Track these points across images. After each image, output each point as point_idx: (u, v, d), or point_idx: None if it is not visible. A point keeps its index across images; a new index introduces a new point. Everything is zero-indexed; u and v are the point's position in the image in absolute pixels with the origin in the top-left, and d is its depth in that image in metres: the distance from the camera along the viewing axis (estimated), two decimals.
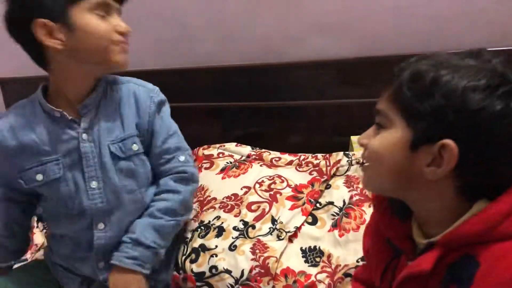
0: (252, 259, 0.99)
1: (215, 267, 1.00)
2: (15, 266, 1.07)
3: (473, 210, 0.53)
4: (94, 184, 0.92)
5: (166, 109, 1.03)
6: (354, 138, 1.28)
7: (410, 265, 0.57)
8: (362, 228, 1.01)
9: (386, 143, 0.57)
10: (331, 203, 1.10)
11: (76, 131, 0.90)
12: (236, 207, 1.14)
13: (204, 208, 1.16)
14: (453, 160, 0.51)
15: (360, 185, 1.11)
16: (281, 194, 1.15)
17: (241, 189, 1.19)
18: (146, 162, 0.99)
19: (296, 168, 1.24)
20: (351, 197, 1.09)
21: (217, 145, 1.37)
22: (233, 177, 1.24)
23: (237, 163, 1.29)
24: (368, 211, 1.04)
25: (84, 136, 0.91)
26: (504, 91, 0.50)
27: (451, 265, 0.53)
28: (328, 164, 1.20)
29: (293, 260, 1.00)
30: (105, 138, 0.92)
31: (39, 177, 0.90)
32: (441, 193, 0.55)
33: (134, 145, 0.95)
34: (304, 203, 1.12)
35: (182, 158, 1.01)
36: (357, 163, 1.17)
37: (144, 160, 0.98)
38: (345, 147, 1.31)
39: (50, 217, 1.00)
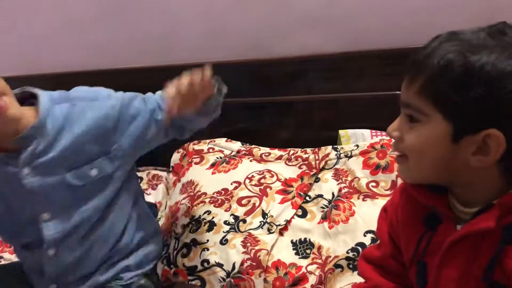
0: (243, 252, 1.00)
1: (206, 260, 1.01)
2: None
3: None
4: (46, 216, 0.85)
5: (120, 96, 0.91)
6: (342, 132, 1.29)
7: (469, 223, 0.56)
8: (351, 219, 1.03)
9: (425, 139, 0.55)
10: (320, 196, 1.12)
11: (16, 167, 0.81)
12: (226, 201, 1.14)
13: (195, 203, 1.16)
14: (501, 148, 0.51)
15: (349, 178, 1.12)
16: (271, 188, 1.16)
17: (231, 184, 1.19)
18: (110, 186, 0.90)
19: (285, 163, 1.25)
20: (339, 190, 1.10)
21: (207, 140, 1.38)
22: (223, 172, 1.25)
23: (227, 159, 1.29)
24: (357, 203, 1.06)
25: (26, 170, 0.81)
26: None
27: (508, 226, 0.53)
28: (317, 158, 1.22)
29: (284, 252, 1.02)
30: (57, 167, 0.83)
31: None
32: (486, 176, 0.55)
33: (93, 171, 0.86)
34: (294, 197, 1.13)
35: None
36: (346, 156, 1.18)
37: (106, 184, 0.89)
38: (334, 141, 1.33)
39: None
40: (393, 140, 0.62)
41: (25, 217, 0.87)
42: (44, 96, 0.84)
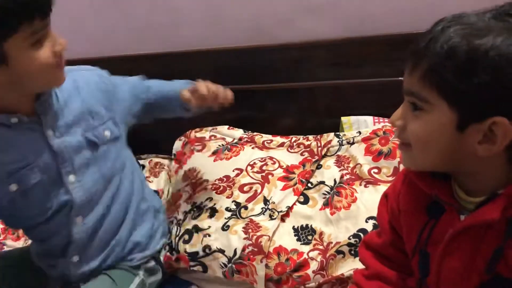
0: (245, 238, 1.01)
1: (208, 247, 1.01)
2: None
3: None
4: (72, 178, 0.89)
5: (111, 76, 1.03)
6: (344, 119, 1.28)
7: (473, 215, 0.55)
8: (353, 206, 1.02)
9: (430, 129, 0.53)
10: (322, 182, 1.11)
11: (39, 131, 0.85)
12: (228, 188, 1.14)
13: (196, 190, 1.16)
14: (509, 136, 0.49)
15: (351, 164, 1.12)
16: (272, 175, 1.16)
17: (233, 171, 1.19)
18: (122, 150, 1.00)
19: (287, 150, 1.25)
20: (341, 176, 1.10)
21: (209, 128, 1.37)
22: (225, 159, 1.24)
23: (229, 146, 1.29)
24: (359, 189, 1.06)
25: (50, 132, 0.86)
26: None
27: None
28: (319, 145, 1.21)
29: (286, 238, 1.02)
30: (75, 128, 0.89)
31: (13, 187, 0.84)
32: (492, 165, 0.54)
33: (107, 131, 0.94)
34: (295, 183, 1.13)
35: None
36: (348, 143, 1.17)
37: (119, 147, 0.98)
38: (337, 128, 1.32)
39: (17, 224, 0.99)
40: (394, 129, 0.61)
41: (51, 182, 0.87)
42: None
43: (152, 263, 1.03)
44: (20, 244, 1.31)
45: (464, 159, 0.54)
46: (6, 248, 1.29)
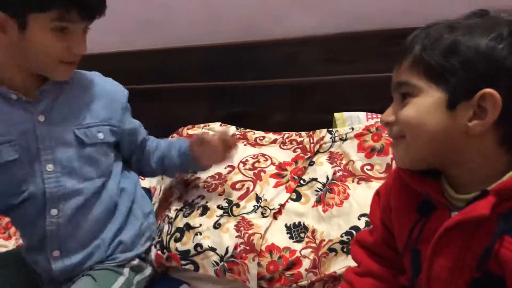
0: (236, 236, 0.99)
1: (199, 245, 1.00)
2: None
3: None
4: (50, 167, 0.89)
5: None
6: (337, 115, 1.28)
7: (463, 211, 0.55)
8: (346, 203, 1.01)
9: (422, 108, 0.55)
10: (315, 179, 1.10)
11: (32, 113, 0.88)
12: (220, 186, 1.13)
13: (188, 188, 1.15)
14: (498, 107, 0.51)
15: (344, 161, 1.11)
16: (265, 172, 1.15)
17: (225, 168, 1.18)
18: (111, 154, 1.00)
19: (280, 146, 1.24)
20: (334, 173, 1.09)
21: (202, 125, 1.36)
22: None
23: None
24: (351, 186, 1.05)
25: (41, 118, 0.89)
26: None
27: (504, 214, 0.52)
28: (311, 141, 1.20)
29: (278, 236, 1.01)
30: (68, 122, 0.91)
31: None
32: (483, 148, 0.54)
33: (100, 134, 0.95)
34: (288, 181, 1.12)
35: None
36: (341, 139, 1.17)
37: (108, 151, 0.99)
38: (330, 124, 1.31)
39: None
40: (388, 130, 0.61)
41: (29, 165, 0.89)
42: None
43: (136, 261, 1.01)
44: (11, 243, 1.30)
45: (456, 144, 0.55)
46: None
